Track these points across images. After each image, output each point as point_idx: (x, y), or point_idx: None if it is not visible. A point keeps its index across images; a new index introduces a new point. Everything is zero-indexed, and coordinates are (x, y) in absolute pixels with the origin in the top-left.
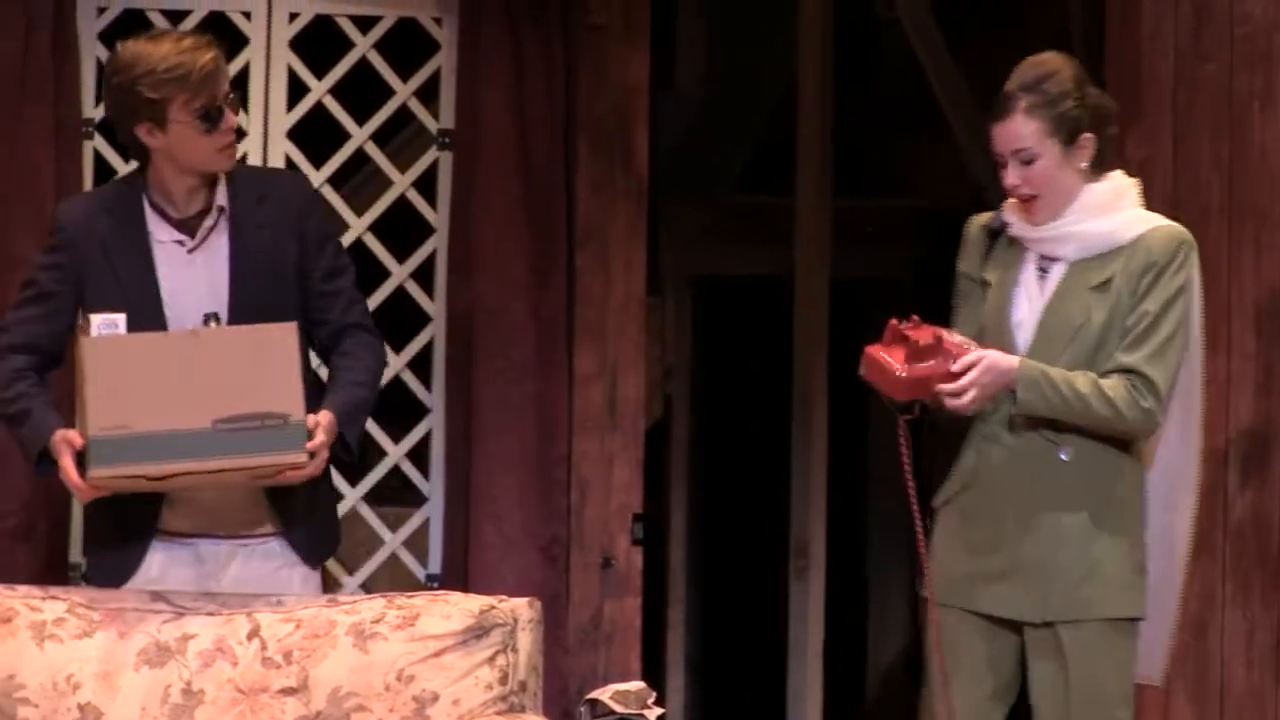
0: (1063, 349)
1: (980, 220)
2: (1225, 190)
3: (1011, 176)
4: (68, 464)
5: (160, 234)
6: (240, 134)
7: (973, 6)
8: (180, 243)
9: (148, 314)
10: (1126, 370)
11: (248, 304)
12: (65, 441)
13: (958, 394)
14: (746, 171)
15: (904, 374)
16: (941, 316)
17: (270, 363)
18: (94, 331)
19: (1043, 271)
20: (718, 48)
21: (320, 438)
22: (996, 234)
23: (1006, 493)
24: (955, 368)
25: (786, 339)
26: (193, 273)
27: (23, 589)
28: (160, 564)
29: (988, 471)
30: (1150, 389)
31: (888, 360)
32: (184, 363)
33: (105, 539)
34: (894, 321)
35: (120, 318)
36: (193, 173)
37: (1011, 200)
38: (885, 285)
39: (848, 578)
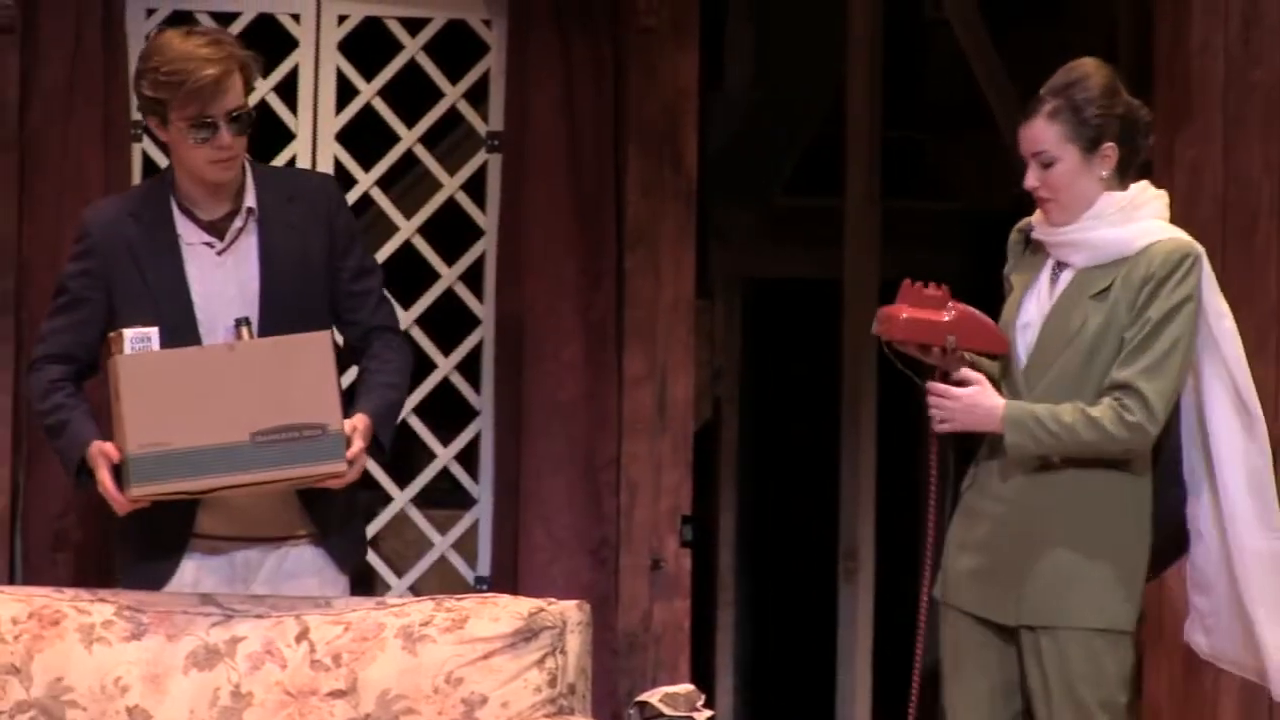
0: (1057, 355)
1: (1021, 224)
2: (1275, 192)
3: (1031, 178)
4: (105, 477)
5: (189, 236)
6: (289, 136)
7: (1021, 8)
8: (209, 244)
9: (179, 317)
10: (1117, 386)
11: (278, 305)
12: (102, 454)
13: (937, 406)
14: (795, 173)
15: (905, 316)
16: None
17: (305, 372)
18: (127, 347)
19: (1055, 276)
20: (767, 50)
21: (358, 444)
22: (1033, 242)
23: (998, 492)
24: (954, 374)
25: (835, 341)
26: (223, 274)
27: (70, 592)
28: (193, 570)
29: (986, 469)
30: (1140, 402)
31: (893, 307)
32: (219, 376)
33: (139, 548)
34: (908, 281)
35: (153, 331)
36: (195, 179)
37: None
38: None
39: (896, 580)
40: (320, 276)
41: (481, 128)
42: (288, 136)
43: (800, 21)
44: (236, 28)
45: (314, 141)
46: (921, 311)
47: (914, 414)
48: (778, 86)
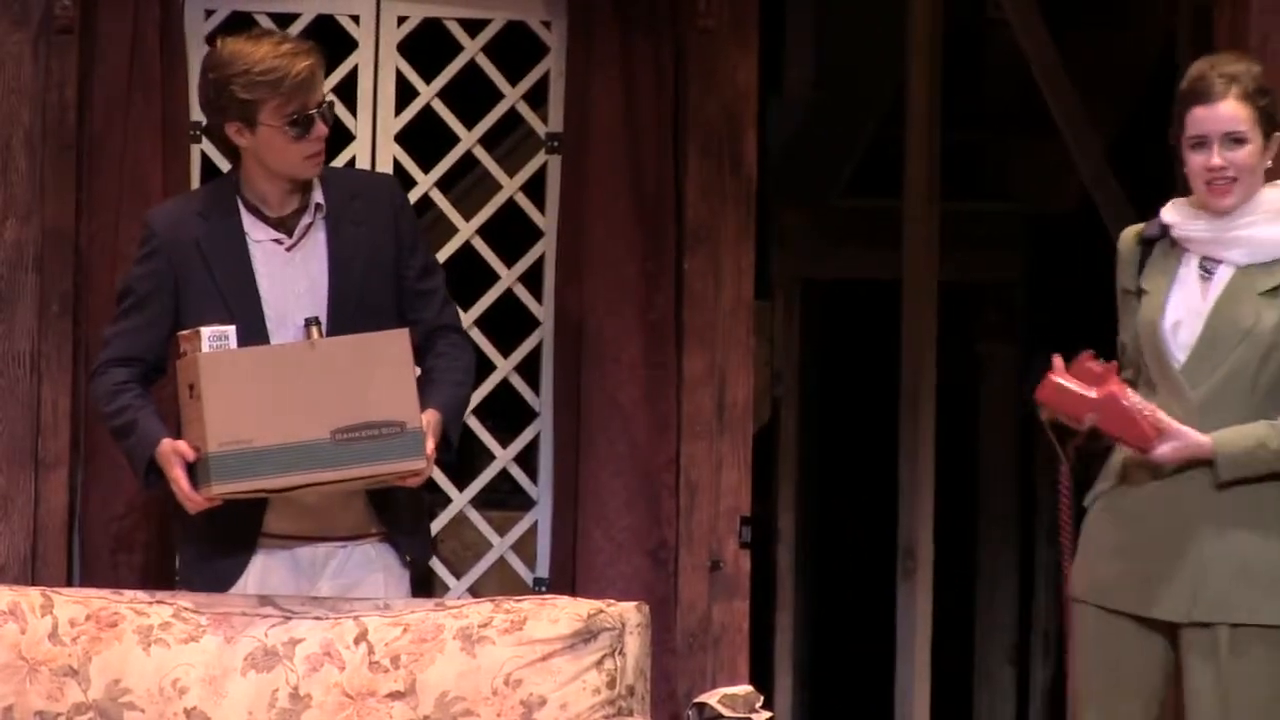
0: (1229, 352)
1: (1134, 230)
2: None
3: (1216, 158)
4: (179, 475)
5: (256, 234)
6: (349, 137)
7: (1080, 8)
8: (278, 241)
9: (248, 314)
10: None
11: (347, 301)
12: (175, 453)
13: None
14: (855, 175)
15: (1056, 381)
16: (1052, 320)
17: (383, 370)
18: (205, 345)
19: (1206, 273)
20: (827, 51)
21: (430, 441)
22: (1153, 242)
23: (1153, 490)
24: (1148, 422)
25: (895, 342)
26: (292, 271)
27: (129, 594)
28: (260, 569)
29: (1136, 468)
30: None
31: (1052, 373)
32: (298, 374)
33: (206, 547)
34: (1087, 353)
35: (230, 330)
36: (279, 177)
37: (1173, 202)
38: (993, 288)
39: (955, 580)
40: (388, 274)
41: (541, 129)
42: (347, 138)
43: (860, 22)
44: (296, 29)
45: (373, 143)
46: (1074, 381)
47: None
48: (837, 88)
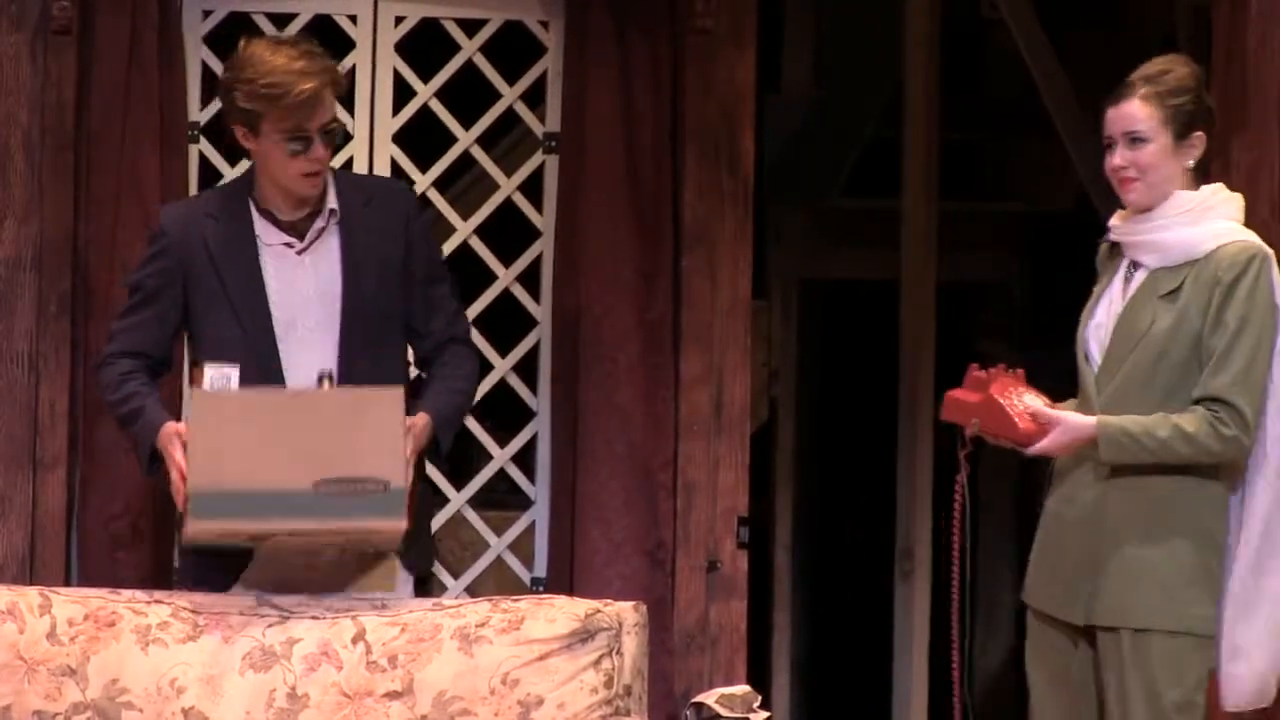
0: (1127, 355)
1: (1105, 238)
2: None
3: (1118, 158)
4: (177, 453)
5: (268, 237)
6: (347, 137)
7: (1078, 8)
8: (289, 245)
9: (255, 317)
10: (1209, 399)
11: (360, 304)
12: (176, 434)
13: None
14: (853, 175)
15: (947, 395)
16: (1050, 320)
17: (374, 427)
18: (206, 383)
19: (1129, 276)
20: (825, 51)
21: (413, 444)
22: (1114, 248)
23: (1073, 496)
24: (1025, 419)
25: (893, 342)
26: (302, 274)
27: (127, 593)
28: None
29: (1061, 475)
30: (1234, 415)
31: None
32: (287, 422)
33: (207, 548)
34: (972, 365)
35: (234, 370)
36: (279, 187)
37: (1120, 212)
38: (991, 288)
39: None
40: (397, 279)
41: (538, 129)
42: (345, 137)
43: (858, 23)
44: (293, 29)
45: (371, 142)
46: (961, 392)
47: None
48: (835, 88)
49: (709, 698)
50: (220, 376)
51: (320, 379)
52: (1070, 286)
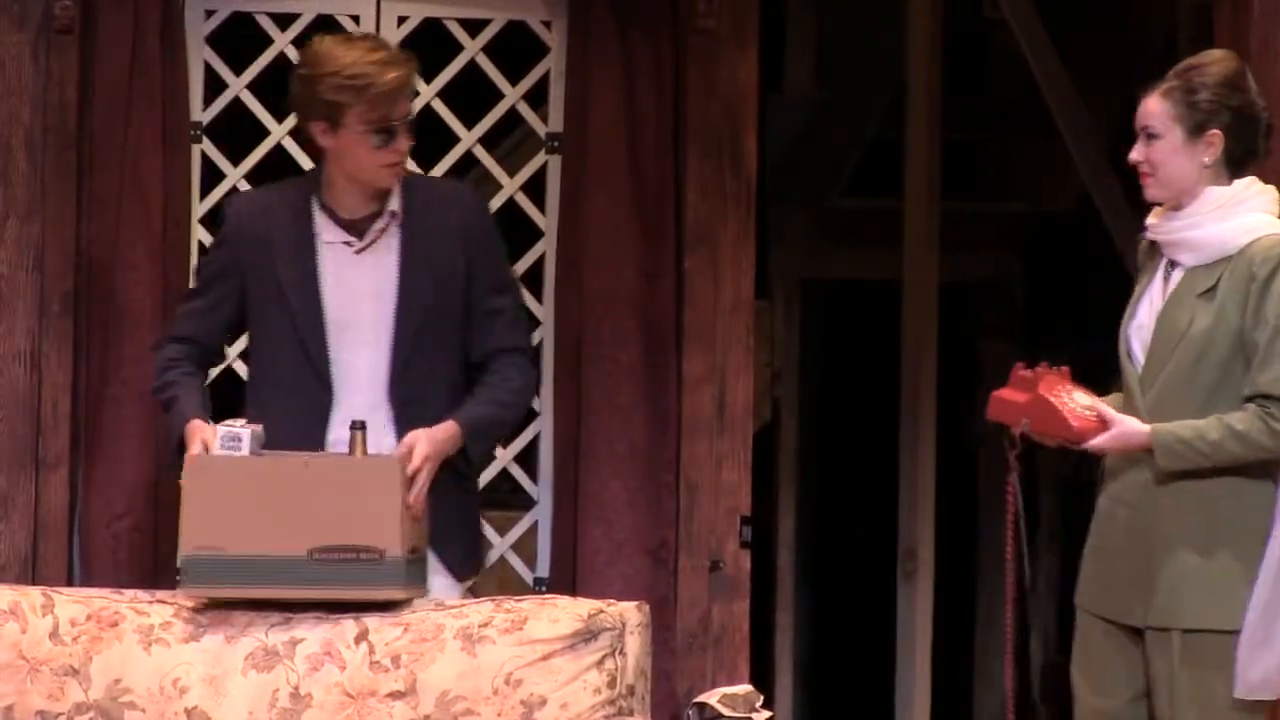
0: (1169, 355)
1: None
2: None
3: (1135, 151)
4: (194, 447)
5: (327, 234)
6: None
7: (1080, 9)
8: (348, 243)
9: (308, 313)
10: (1259, 396)
11: (415, 306)
12: (197, 432)
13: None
14: (855, 175)
15: (993, 395)
16: (1052, 320)
17: (371, 496)
18: (216, 445)
19: (1167, 275)
20: (827, 51)
21: (422, 451)
22: (1153, 244)
23: (1123, 496)
24: (1079, 417)
25: (895, 342)
26: (359, 274)
27: (129, 593)
28: None
29: (1112, 474)
30: None
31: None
32: (286, 488)
33: None
34: (1018, 364)
35: (246, 432)
36: (357, 181)
37: (1156, 209)
38: (993, 288)
39: (956, 580)
40: (457, 286)
41: (541, 129)
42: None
43: (860, 23)
44: (296, 29)
45: None
46: (1008, 392)
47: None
48: (837, 88)
49: (711, 697)
50: (231, 438)
51: (354, 428)
52: (1071, 286)
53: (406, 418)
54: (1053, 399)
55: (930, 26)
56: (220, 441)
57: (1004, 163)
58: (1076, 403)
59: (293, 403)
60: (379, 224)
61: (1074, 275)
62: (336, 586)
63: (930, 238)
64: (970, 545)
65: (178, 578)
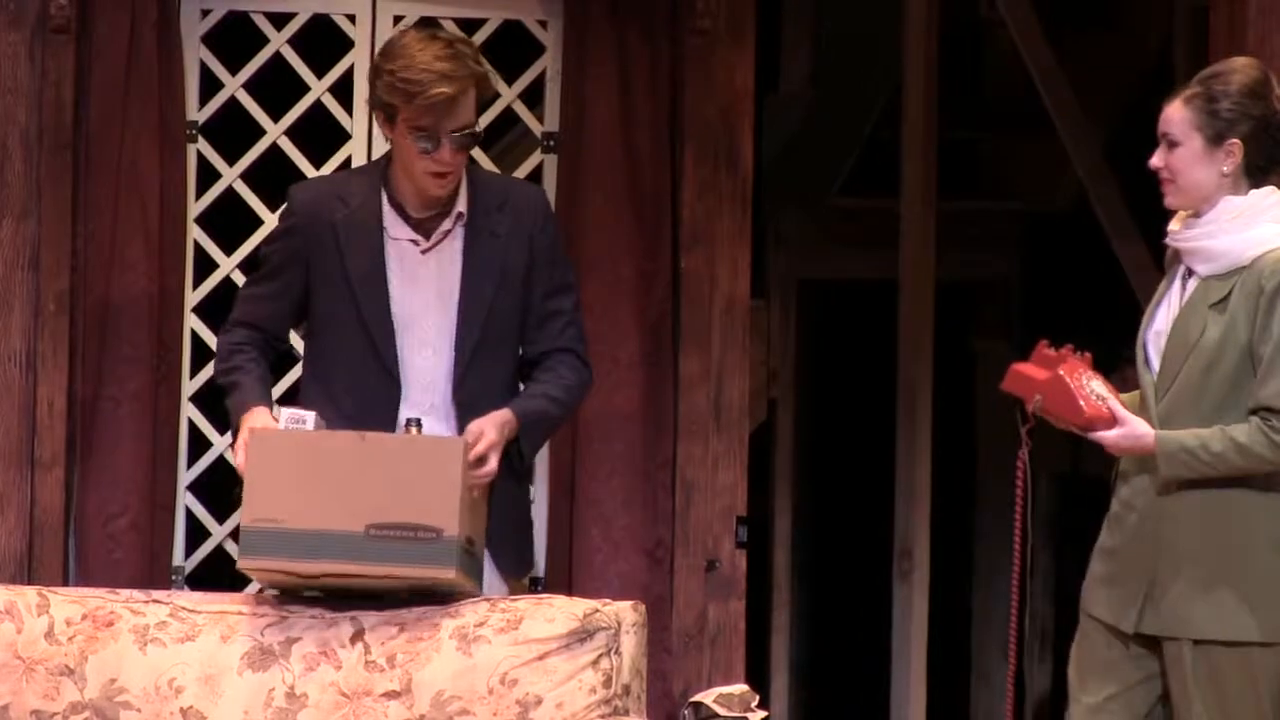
0: (1180, 364)
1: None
2: None
3: (1155, 157)
4: (245, 435)
5: (395, 230)
6: (345, 136)
7: (1077, 9)
8: (414, 242)
9: (374, 309)
10: (1262, 409)
11: (477, 310)
12: (258, 418)
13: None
14: (852, 174)
15: (1012, 367)
16: (1049, 319)
17: (431, 475)
18: (282, 424)
19: (1185, 283)
20: (824, 51)
21: (490, 437)
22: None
23: (1129, 496)
24: (1093, 406)
25: (891, 341)
26: (424, 274)
27: (125, 592)
28: None
29: (1124, 478)
30: None
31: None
32: (346, 464)
33: None
34: (1043, 341)
35: (310, 415)
36: (410, 181)
37: (1177, 214)
38: (989, 287)
39: (952, 580)
40: (517, 289)
41: (537, 129)
42: (344, 137)
43: (857, 22)
44: (292, 28)
45: (369, 142)
46: (1029, 367)
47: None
48: (834, 87)
49: (707, 697)
50: (296, 419)
51: (408, 425)
52: (1068, 286)
53: (467, 421)
54: (1070, 381)
55: (927, 26)
56: (285, 423)
57: (1001, 162)
58: (1093, 390)
59: (359, 390)
60: (445, 225)
61: (1071, 275)
62: (390, 563)
63: (927, 237)
64: (967, 545)
65: (238, 550)
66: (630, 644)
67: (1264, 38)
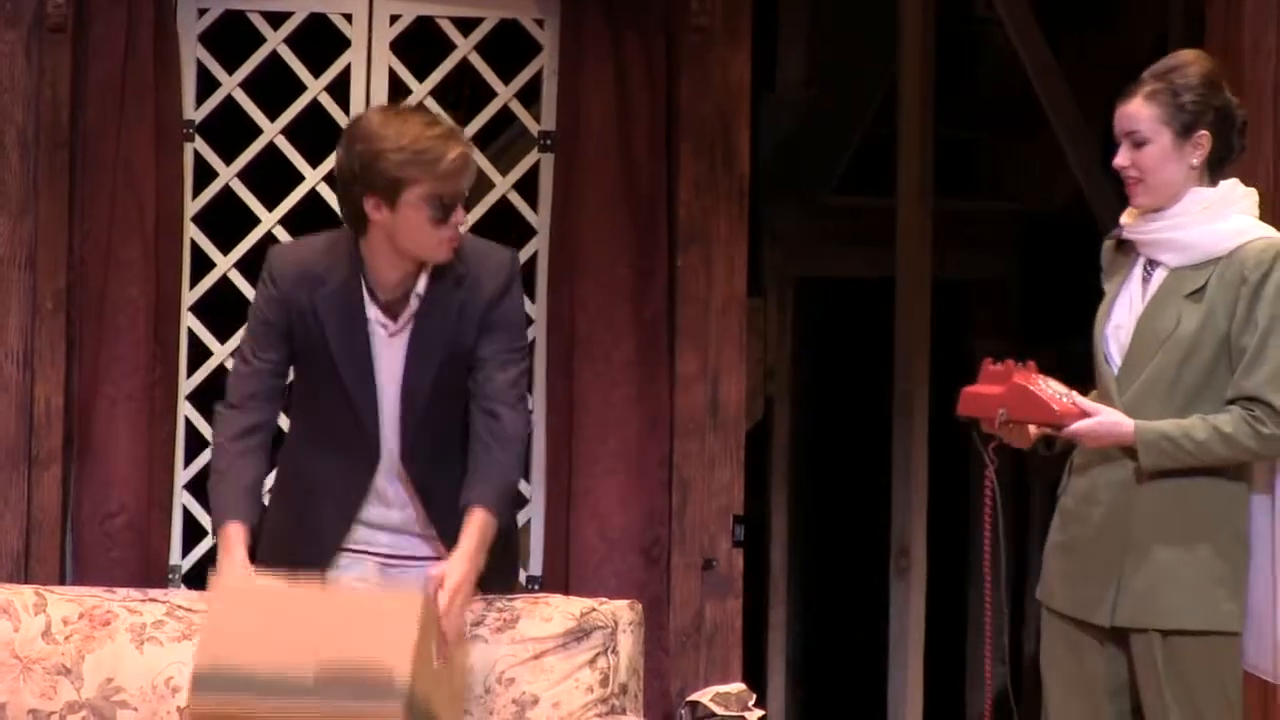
0: (1150, 357)
1: (1110, 235)
2: None
3: (1121, 157)
4: (225, 562)
5: (369, 311)
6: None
7: (1073, 8)
8: (383, 325)
9: (360, 389)
10: (1246, 398)
11: (419, 393)
12: (235, 544)
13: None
14: (848, 173)
15: (964, 391)
16: (1044, 318)
17: (388, 622)
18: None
19: (1146, 276)
20: (819, 49)
21: (453, 580)
22: (1121, 245)
23: (1087, 489)
24: (1059, 403)
25: (887, 340)
26: (390, 354)
27: (121, 592)
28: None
29: (1081, 472)
30: (1271, 413)
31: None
32: (308, 611)
33: (289, 556)
34: (986, 359)
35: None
36: (407, 257)
37: (1130, 209)
38: (985, 286)
39: (949, 578)
40: (465, 359)
41: (534, 127)
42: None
43: (853, 20)
44: (289, 27)
45: None
46: (980, 387)
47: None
48: (830, 86)
49: (704, 696)
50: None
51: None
52: (1065, 285)
53: (424, 488)
54: (1031, 385)
55: (923, 24)
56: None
57: (997, 161)
58: (1054, 389)
59: (345, 454)
60: (412, 306)
61: (1066, 273)
62: (340, 700)
63: (923, 236)
64: (963, 543)
65: (189, 689)
66: (627, 643)
67: (1259, 37)
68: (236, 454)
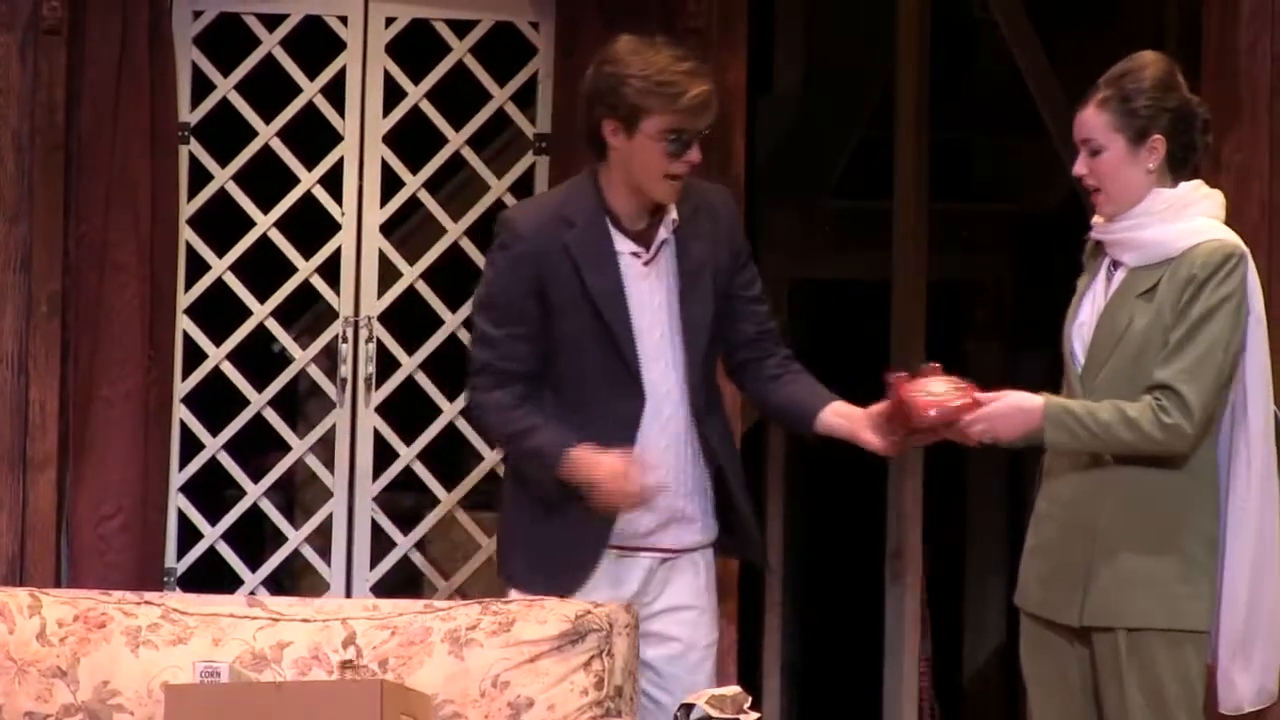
0: (1107, 356)
1: (1089, 235)
2: None
3: (1079, 166)
4: (586, 469)
5: (618, 244)
6: (337, 138)
7: (1069, 9)
8: (636, 254)
9: (618, 322)
10: (1158, 386)
11: (696, 317)
12: (580, 460)
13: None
14: (844, 175)
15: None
16: (1040, 319)
17: (347, 715)
18: (195, 676)
19: (1110, 275)
20: (815, 51)
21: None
22: (1098, 245)
23: (1060, 496)
24: (933, 409)
25: (883, 342)
26: (648, 285)
27: (117, 594)
28: (604, 575)
29: (1048, 475)
30: (1179, 404)
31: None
32: (265, 714)
33: (550, 555)
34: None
35: (222, 666)
36: (636, 190)
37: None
38: (981, 288)
39: (943, 582)
40: (720, 291)
41: (529, 130)
42: (335, 139)
43: (848, 23)
44: (284, 29)
45: (361, 143)
46: (884, 405)
47: None
48: (826, 88)
49: (699, 698)
50: (209, 672)
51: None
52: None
53: (702, 430)
54: (903, 394)
55: (919, 26)
56: (198, 675)
57: (992, 163)
58: (931, 391)
59: (608, 407)
60: (662, 233)
61: (1062, 275)
62: None
63: (919, 238)
64: (958, 547)
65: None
66: (622, 645)
67: (1256, 39)
68: (526, 413)
